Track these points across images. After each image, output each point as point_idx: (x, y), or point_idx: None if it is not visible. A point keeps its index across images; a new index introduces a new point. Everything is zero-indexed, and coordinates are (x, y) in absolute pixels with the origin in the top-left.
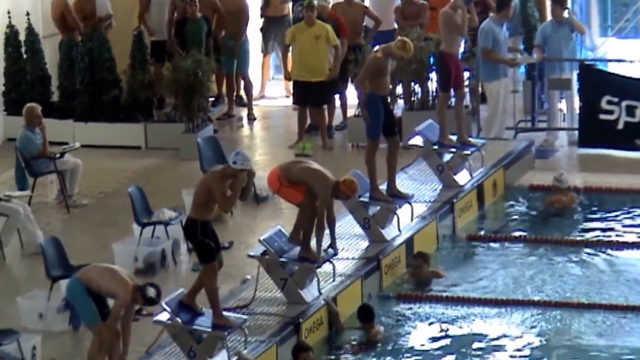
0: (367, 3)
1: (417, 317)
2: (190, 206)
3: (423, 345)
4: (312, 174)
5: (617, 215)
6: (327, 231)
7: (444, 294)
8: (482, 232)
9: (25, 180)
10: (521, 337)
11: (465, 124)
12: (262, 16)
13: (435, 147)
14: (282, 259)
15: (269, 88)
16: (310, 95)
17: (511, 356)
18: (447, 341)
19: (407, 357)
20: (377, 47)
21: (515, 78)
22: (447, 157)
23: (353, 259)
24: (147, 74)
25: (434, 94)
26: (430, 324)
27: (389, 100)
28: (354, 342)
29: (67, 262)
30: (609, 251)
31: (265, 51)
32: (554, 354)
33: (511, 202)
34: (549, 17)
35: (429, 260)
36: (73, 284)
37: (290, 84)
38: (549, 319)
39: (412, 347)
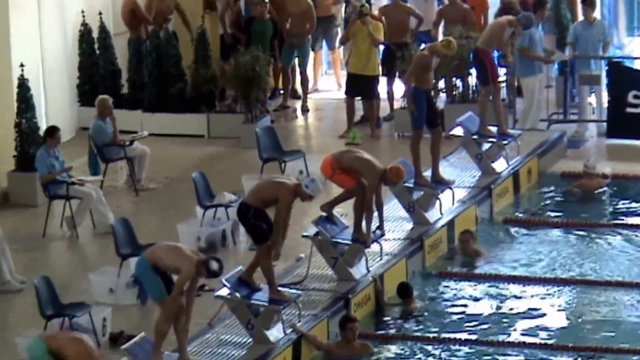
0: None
1: (456, 293)
2: (249, 192)
3: (461, 318)
4: (362, 163)
5: None
6: (376, 214)
7: (481, 272)
8: (517, 216)
9: (98, 166)
10: (553, 312)
11: (503, 116)
12: None
13: (475, 137)
14: (334, 240)
15: (321, 82)
16: (362, 88)
17: (544, 330)
18: (483, 315)
19: (446, 330)
20: (422, 46)
21: (549, 74)
22: (485, 146)
23: (398, 239)
24: (209, 69)
25: (474, 88)
26: (468, 298)
27: (432, 93)
28: (396, 317)
29: (135, 242)
30: (636, 233)
31: (315, 48)
32: (585, 328)
33: (544, 188)
34: (580, 17)
35: (475, 237)
36: (141, 262)
37: (342, 77)
38: (578, 296)
39: (450, 320)
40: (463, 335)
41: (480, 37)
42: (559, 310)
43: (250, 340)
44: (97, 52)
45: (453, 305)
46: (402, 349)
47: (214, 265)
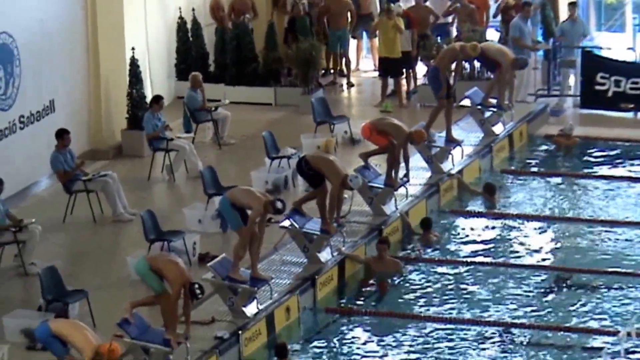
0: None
1: (465, 226)
2: (312, 154)
3: (468, 245)
4: (393, 127)
5: (608, 156)
6: (403, 165)
7: (483, 210)
8: (512, 167)
9: (190, 126)
10: (540, 240)
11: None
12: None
13: (479, 107)
14: (370, 184)
15: (362, 64)
16: (390, 68)
17: (532, 254)
18: (485, 242)
19: (457, 253)
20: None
21: (536, 59)
22: (487, 114)
23: (420, 184)
24: (276, 53)
25: (478, 69)
26: (474, 229)
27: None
28: (418, 244)
29: (219, 184)
30: (603, 181)
31: (357, 38)
32: (566, 254)
33: (532, 147)
34: (561, 16)
35: (495, 191)
36: (223, 200)
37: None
38: (561, 229)
39: (461, 245)
40: (469, 258)
41: (487, 45)
42: (545, 239)
43: (305, 260)
44: (191, 39)
45: (461, 234)
46: (423, 269)
47: (279, 204)
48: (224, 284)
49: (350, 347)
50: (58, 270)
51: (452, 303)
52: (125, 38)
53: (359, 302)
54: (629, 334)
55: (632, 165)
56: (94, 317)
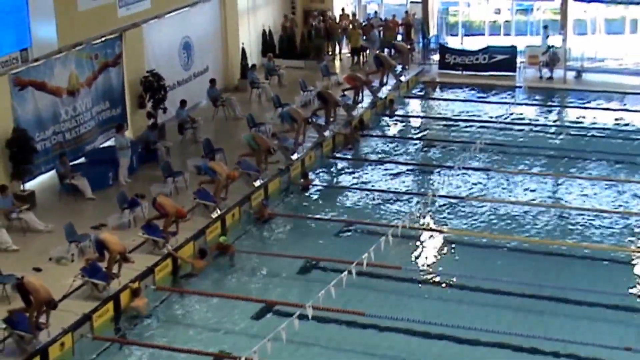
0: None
1: (384, 120)
2: (320, 89)
3: (392, 127)
4: (357, 77)
5: (451, 91)
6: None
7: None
8: (410, 94)
9: (268, 77)
10: (419, 132)
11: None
12: None
13: (395, 68)
14: (346, 103)
15: (344, 50)
16: (355, 52)
17: (418, 131)
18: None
19: (385, 130)
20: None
21: (419, 48)
22: (397, 71)
23: (368, 102)
24: (304, 44)
25: (393, 54)
26: (388, 122)
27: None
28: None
29: (280, 102)
30: (451, 102)
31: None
32: (433, 132)
33: (417, 87)
34: (431, 30)
35: (395, 99)
36: (285, 112)
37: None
38: (432, 123)
39: (388, 126)
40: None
41: (396, 43)
42: (420, 130)
43: (317, 135)
44: (268, 39)
45: (382, 122)
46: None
47: (316, 120)
48: (283, 146)
49: (341, 175)
50: (210, 139)
51: (388, 151)
52: (239, 38)
53: (343, 153)
54: (404, 227)
55: (464, 93)
56: (227, 160)
